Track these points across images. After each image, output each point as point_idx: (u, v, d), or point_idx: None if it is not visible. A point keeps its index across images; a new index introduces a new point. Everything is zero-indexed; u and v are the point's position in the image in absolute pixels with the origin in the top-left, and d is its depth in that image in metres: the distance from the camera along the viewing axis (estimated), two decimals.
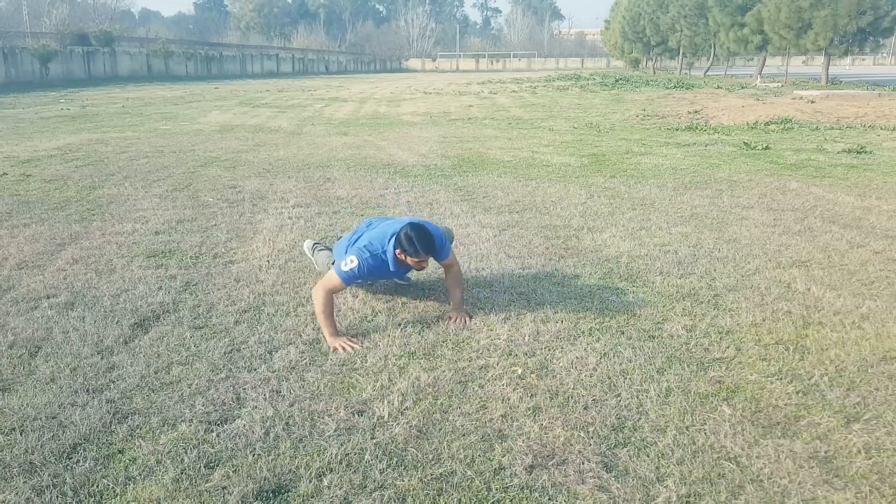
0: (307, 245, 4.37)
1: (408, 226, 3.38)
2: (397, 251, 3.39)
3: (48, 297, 3.93)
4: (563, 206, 6.24)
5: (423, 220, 3.60)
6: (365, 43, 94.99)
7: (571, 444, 2.47)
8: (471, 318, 3.60)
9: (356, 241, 3.65)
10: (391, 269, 3.49)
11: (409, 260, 3.39)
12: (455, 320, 3.57)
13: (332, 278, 3.38)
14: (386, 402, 2.77)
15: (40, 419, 2.63)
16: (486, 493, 2.21)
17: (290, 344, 3.32)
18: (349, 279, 3.39)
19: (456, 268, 3.70)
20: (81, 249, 4.90)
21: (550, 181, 7.51)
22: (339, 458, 2.40)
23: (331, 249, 4.17)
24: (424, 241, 3.35)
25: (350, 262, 3.36)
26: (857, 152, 9.38)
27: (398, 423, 2.61)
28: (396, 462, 2.38)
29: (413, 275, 4.19)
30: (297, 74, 59.13)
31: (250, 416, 2.66)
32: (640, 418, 2.64)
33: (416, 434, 2.55)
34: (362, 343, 3.33)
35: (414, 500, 2.19)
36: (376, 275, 3.60)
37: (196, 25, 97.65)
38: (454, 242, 4.28)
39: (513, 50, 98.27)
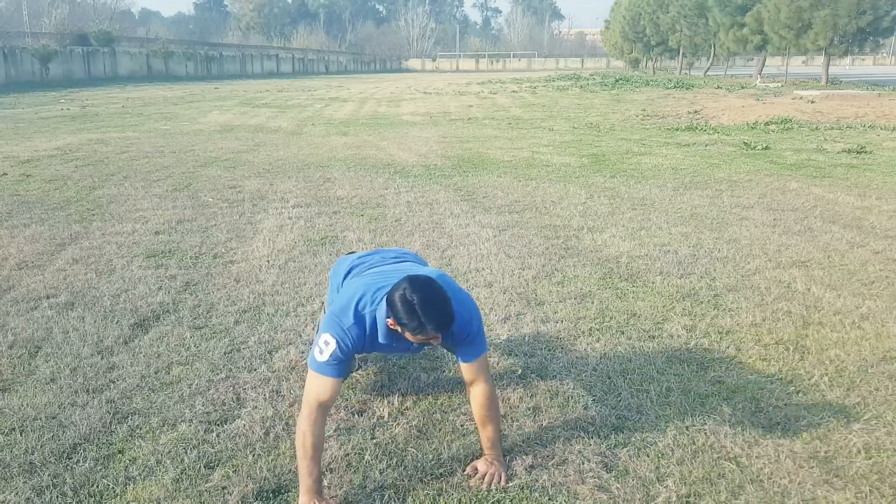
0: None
1: (407, 280, 2.09)
2: (389, 320, 2.14)
3: (48, 297, 3.93)
4: (563, 206, 6.24)
5: (438, 274, 2.32)
6: (365, 43, 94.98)
7: (571, 444, 2.47)
8: (507, 475, 2.29)
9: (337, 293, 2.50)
10: (380, 340, 2.23)
11: (409, 335, 2.12)
12: (486, 476, 2.27)
13: (312, 385, 2.17)
14: (386, 402, 2.77)
15: (40, 419, 2.63)
16: (486, 493, 2.21)
17: (290, 344, 3.31)
18: (335, 370, 2.17)
19: (487, 386, 2.31)
20: (81, 249, 4.90)
21: (550, 181, 7.51)
22: (339, 458, 2.40)
23: None
24: (433, 305, 2.05)
25: (326, 346, 2.16)
26: (857, 152, 9.38)
27: (398, 423, 2.61)
28: (396, 462, 2.38)
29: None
30: (297, 74, 59.13)
31: (250, 416, 2.66)
32: (640, 418, 2.64)
33: (416, 434, 2.55)
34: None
35: (414, 500, 2.19)
36: (370, 348, 2.31)
37: (196, 25, 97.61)
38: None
39: (513, 50, 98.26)
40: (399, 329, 2.12)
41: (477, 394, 2.30)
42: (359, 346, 2.21)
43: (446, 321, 2.08)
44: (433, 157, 9.41)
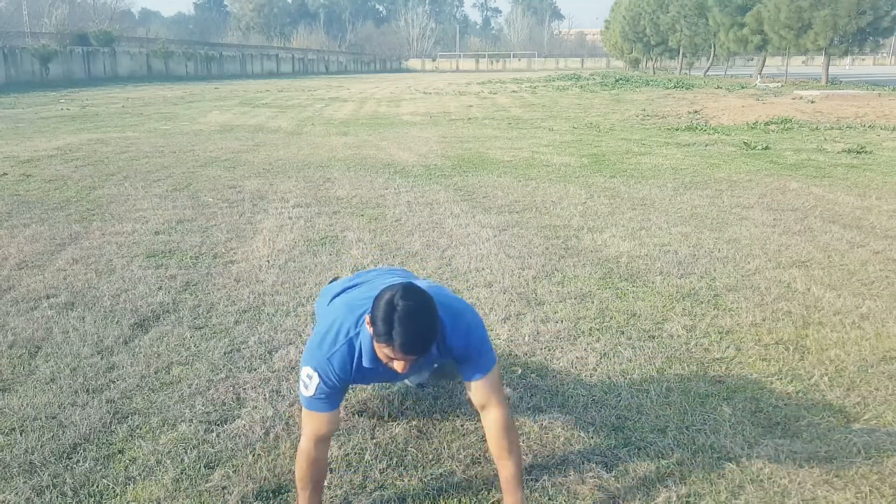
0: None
1: (402, 287, 1.80)
2: (371, 330, 1.83)
3: (48, 297, 3.93)
4: (563, 206, 6.24)
5: (442, 290, 2.13)
6: (365, 43, 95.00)
7: (571, 444, 2.47)
8: None
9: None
10: (365, 364, 1.95)
11: (379, 351, 1.83)
12: None
13: (307, 421, 1.99)
14: (386, 402, 2.77)
15: (40, 419, 2.63)
16: (486, 493, 2.21)
17: (290, 344, 3.32)
18: (325, 404, 1.95)
19: (502, 411, 2.00)
20: (81, 249, 4.90)
21: (550, 181, 7.51)
22: (339, 458, 2.40)
23: None
24: (411, 320, 1.75)
25: (309, 380, 1.94)
26: (857, 152, 9.38)
27: (398, 423, 2.61)
28: (396, 462, 2.38)
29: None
30: (297, 74, 59.13)
31: (250, 416, 2.66)
32: (640, 418, 2.64)
33: (416, 434, 2.55)
34: None
35: (414, 500, 2.19)
36: (358, 378, 2.03)
37: (196, 25, 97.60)
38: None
39: (513, 50, 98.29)
40: (377, 341, 1.81)
41: (491, 422, 1.98)
42: (345, 375, 1.95)
43: (415, 345, 1.76)
44: (433, 157, 9.41)
